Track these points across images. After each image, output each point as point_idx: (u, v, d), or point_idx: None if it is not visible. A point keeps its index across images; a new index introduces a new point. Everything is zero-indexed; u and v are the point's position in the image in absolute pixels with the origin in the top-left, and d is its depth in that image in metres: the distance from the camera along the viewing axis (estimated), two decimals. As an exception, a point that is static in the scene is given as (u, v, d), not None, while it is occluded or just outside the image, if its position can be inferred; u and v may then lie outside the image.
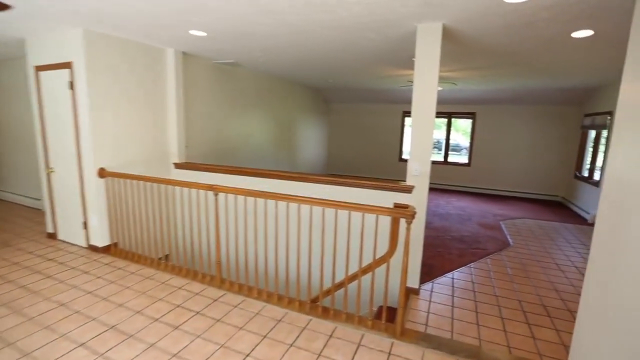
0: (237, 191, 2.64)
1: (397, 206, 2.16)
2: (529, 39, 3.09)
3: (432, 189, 8.50)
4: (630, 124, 1.53)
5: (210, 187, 2.76)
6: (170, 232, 3.34)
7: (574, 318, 2.83)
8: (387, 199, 3.04)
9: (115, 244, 3.60)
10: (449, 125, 8.58)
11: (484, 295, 3.13)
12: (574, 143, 7.17)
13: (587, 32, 2.78)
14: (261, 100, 6.37)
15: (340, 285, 2.52)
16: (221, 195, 2.73)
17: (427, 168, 2.88)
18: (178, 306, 2.55)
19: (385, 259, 2.28)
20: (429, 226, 5.36)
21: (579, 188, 6.71)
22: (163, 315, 2.41)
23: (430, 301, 3.02)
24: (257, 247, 2.71)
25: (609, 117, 5.64)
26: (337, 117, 9.63)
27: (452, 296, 3.12)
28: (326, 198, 2.80)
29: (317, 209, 2.35)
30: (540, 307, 2.95)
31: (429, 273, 3.60)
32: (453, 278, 3.52)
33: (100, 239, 3.56)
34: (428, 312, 2.81)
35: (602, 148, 5.98)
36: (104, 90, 3.41)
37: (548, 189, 7.73)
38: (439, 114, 8.59)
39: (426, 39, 2.77)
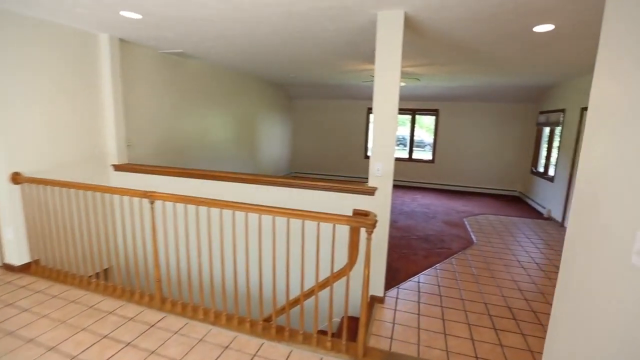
0: (176, 198, 2.27)
1: (357, 213, 1.92)
2: (492, 33, 2.98)
3: (397, 186, 8.48)
4: (604, 120, 1.39)
5: (144, 194, 2.37)
6: (101, 246, 2.89)
7: (539, 320, 2.78)
8: (349, 202, 2.81)
9: (37, 262, 3.07)
10: (413, 121, 8.58)
11: (451, 300, 3.01)
12: (530, 139, 7.42)
13: (548, 27, 2.70)
14: (218, 95, 5.93)
15: (296, 302, 2.25)
16: (160, 203, 2.35)
17: (391, 168, 2.68)
18: (105, 337, 2.14)
19: (344, 272, 2.04)
20: (394, 225, 5.24)
21: (535, 183, 6.94)
22: (83, 351, 2.01)
23: (395, 310, 2.83)
24: (201, 262, 2.36)
25: (562, 115, 5.83)
26: (301, 114, 9.33)
27: (418, 302, 2.96)
28: (282, 202, 2.50)
29: (267, 218, 2.06)
30: (505, 310, 2.86)
31: (394, 278, 3.43)
32: (419, 282, 3.38)
33: (18, 256, 3.02)
34: (393, 323, 2.62)
35: (556, 144, 6.18)
36: (16, 80, 2.86)
37: (507, 184, 7.96)
38: (403, 111, 8.57)
39: (387, 28, 2.55)
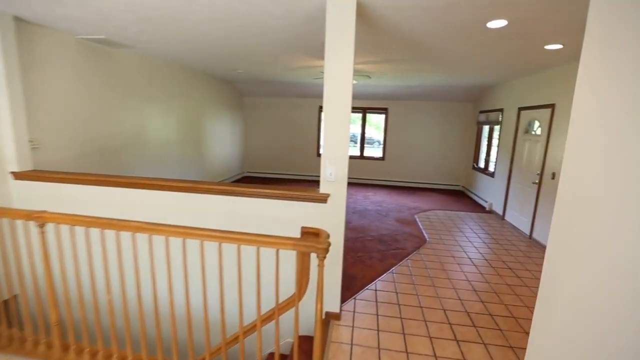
0: (72, 220, 1.75)
1: (307, 232, 1.60)
2: (446, 27, 2.84)
3: (350, 184, 8.33)
4: (596, 113, 1.20)
5: (29, 216, 1.80)
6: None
7: (497, 324, 2.72)
8: (299, 210, 2.48)
9: None
10: (364, 120, 8.51)
11: (410, 309, 2.84)
12: (471, 137, 7.74)
13: (501, 22, 2.62)
14: (157, 91, 5.20)
15: (235, 339, 1.87)
16: (54, 226, 1.81)
17: (344, 172, 2.40)
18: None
19: (292, 302, 1.71)
20: (348, 226, 5.05)
21: (476, 178, 7.25)
22: None
23: (353, 327, 2.58)
24: (111, 297, 1.87)
25: (500, 114, 6.08)
26: (252, 112, 8.80)
27: (377, 315, 2.74)
28: (224, 212, 2.11)
29: (194, 242, 1.65)
30: (464, 316, 2.76)
31: (350, 287, 3.19)
32: (376, 290, 3.18)
33: None
34: (351, 344, 2.36)
35: (495, 142, 6.46)
36: None
37: (451, 180, 8.26)
38: (355, 109, 8.47)
39: (338, 16, 2.25)
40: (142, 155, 4.94)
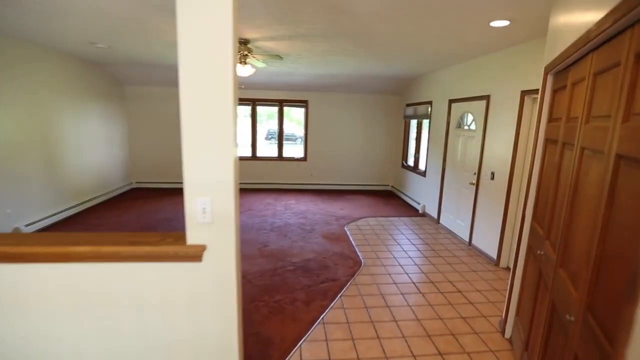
0: None
1: None
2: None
3: (268, 190, 7.25)
4: None
5: None
6: None
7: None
8: (150, 284, 1.32)
9: None
10: (281, 114, 7.45)
11: (351, 396, 1.90)
12: (399, 133, 7.30)
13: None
14: None
15: None
16: None
17: (230, 203, 1.32)
18: None
19: None
20: (263, 251, 3.96)
21: (406, 177, 6.81)
22: None
23: None
24: None
25: (429, 107, 5.64)
26: (140, 105, 6.92)
27: (303, 420, 1.74)
28: None
29: None
30: (426, 393, 1.94)
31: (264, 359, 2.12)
32: (301, 359, 2.17)
33: None
34: None
35: (425, 137, 6.03)
36: None
37: (379, 179, 7.75)
38: (270, 102, 7.35)
39: None
40: None
